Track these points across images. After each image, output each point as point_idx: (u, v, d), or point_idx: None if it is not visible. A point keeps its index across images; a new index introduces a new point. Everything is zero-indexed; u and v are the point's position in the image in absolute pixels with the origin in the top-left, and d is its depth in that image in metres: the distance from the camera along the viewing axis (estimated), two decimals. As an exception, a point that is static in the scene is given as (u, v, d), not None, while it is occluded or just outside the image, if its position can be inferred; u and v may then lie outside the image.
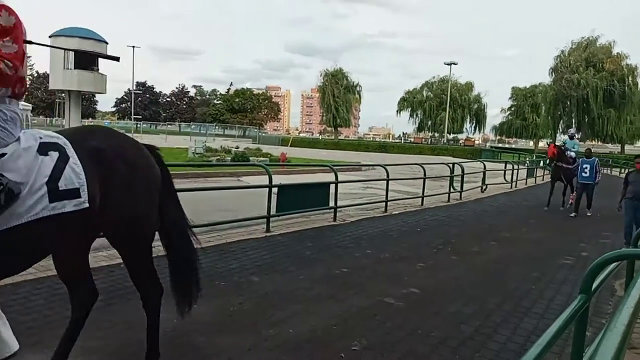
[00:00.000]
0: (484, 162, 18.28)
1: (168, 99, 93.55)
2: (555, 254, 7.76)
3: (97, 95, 64.57)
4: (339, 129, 68.99)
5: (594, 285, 2.58)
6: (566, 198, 13.81)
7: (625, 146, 53.08)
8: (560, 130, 51.57)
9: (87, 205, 2.58)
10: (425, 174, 12.64)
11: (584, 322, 2.52)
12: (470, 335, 4.23)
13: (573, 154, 14.03)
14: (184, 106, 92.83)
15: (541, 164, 27.28)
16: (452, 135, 69.96)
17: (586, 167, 12.23)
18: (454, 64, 58.46)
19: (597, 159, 12.55)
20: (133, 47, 58.38)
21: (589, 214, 12.40)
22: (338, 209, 9.67)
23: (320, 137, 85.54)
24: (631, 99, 46.07)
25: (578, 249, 8.34)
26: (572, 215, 12.32)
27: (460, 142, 68.81)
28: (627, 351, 3.80)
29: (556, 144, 15.45)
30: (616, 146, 56.96)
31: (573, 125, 44.14)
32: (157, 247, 3.19)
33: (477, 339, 4.14)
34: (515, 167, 19.83)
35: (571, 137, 15.03)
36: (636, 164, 8.95)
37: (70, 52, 26.97)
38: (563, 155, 13.76)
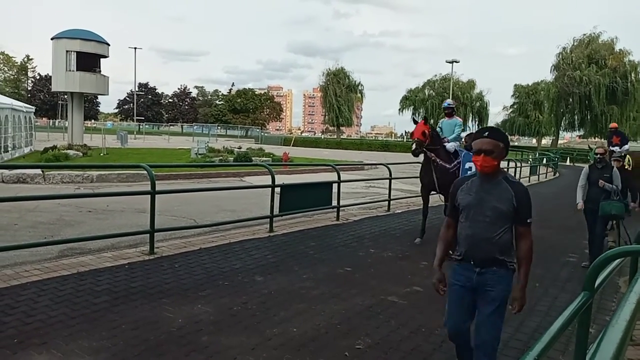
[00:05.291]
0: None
1: (170, 100, 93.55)
2: (559, 251, 7.75)
3: (99, 96, 64.73)
4: (341, 128, 68.98)
5: (597, 282, 2.59)
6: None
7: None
8: (563, 127, 51.40)
9: None
10: (427, 173, 12.58)
11: (587, 319, 2.52)
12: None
13: (453, 146, 8.23)
14: (186, 107, 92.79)
15: (544, 161, 27.16)
16: (454, 134, 69.78)
17: (470, 167, 7.24)
18: (456, 62, 57.85)
19: None
20: (135, 48, 58.45)
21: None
22: (341, 208, 9.69)
23: (322, 137, 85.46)
24: (634, 96, 45.87)
25: (582, 245, 8.28)
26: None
27: (463, 140, 68.64)
28: (630, 347, 3.80)
29: (429, 122, 7.98)
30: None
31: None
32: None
33: (481, 337, 4.14)
34: (518, 164, 19.79)
35: (449, 114, 8.59)
36: (475, 157, 3.10)
37: (72, 53, 27.03)
38: (436, 139, 7.81)
